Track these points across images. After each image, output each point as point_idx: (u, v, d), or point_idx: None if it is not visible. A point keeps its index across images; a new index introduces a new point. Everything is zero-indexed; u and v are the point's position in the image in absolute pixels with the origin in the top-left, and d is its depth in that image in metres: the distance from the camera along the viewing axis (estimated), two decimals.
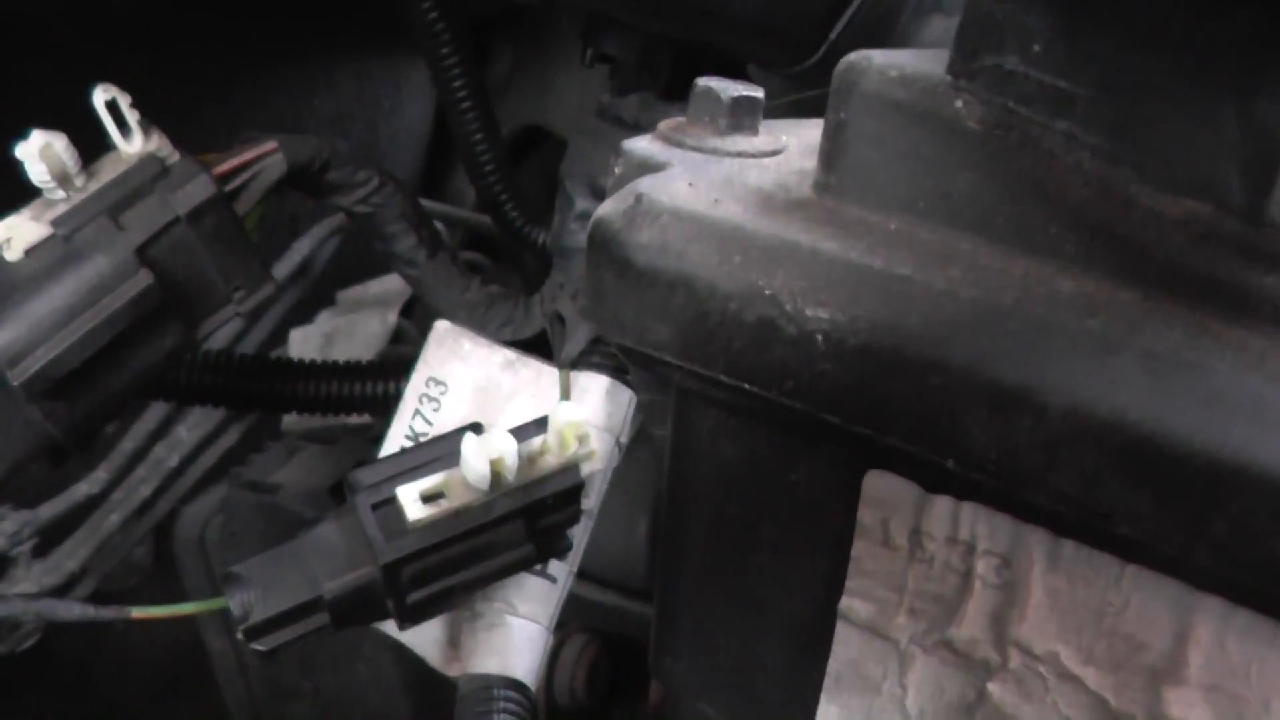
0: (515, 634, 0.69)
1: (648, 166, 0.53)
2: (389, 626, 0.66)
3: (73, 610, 0.63)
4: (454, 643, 0.69)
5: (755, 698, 0.55)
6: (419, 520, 0.59)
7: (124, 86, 0.65)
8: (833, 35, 0.71)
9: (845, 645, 0.50)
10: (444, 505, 0.60)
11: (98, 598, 1.10)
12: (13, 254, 0.64)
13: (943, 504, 0.46)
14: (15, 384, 0.61)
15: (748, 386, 0.47)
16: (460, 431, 0.63)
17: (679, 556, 0.57)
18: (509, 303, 0.76)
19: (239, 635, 0.60)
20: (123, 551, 1.06)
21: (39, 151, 0.63)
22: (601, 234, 0.50)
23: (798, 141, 0.55)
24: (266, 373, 0.82)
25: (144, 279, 0.62)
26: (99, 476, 1.09)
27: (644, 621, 1.03)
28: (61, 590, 1.03)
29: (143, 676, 1.24)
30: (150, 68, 0.97)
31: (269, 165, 0.67)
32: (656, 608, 0.60)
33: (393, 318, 1.14)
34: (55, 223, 0.64)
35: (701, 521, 0.55)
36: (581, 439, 0.61)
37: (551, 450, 0.61)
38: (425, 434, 0.74)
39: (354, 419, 1.11)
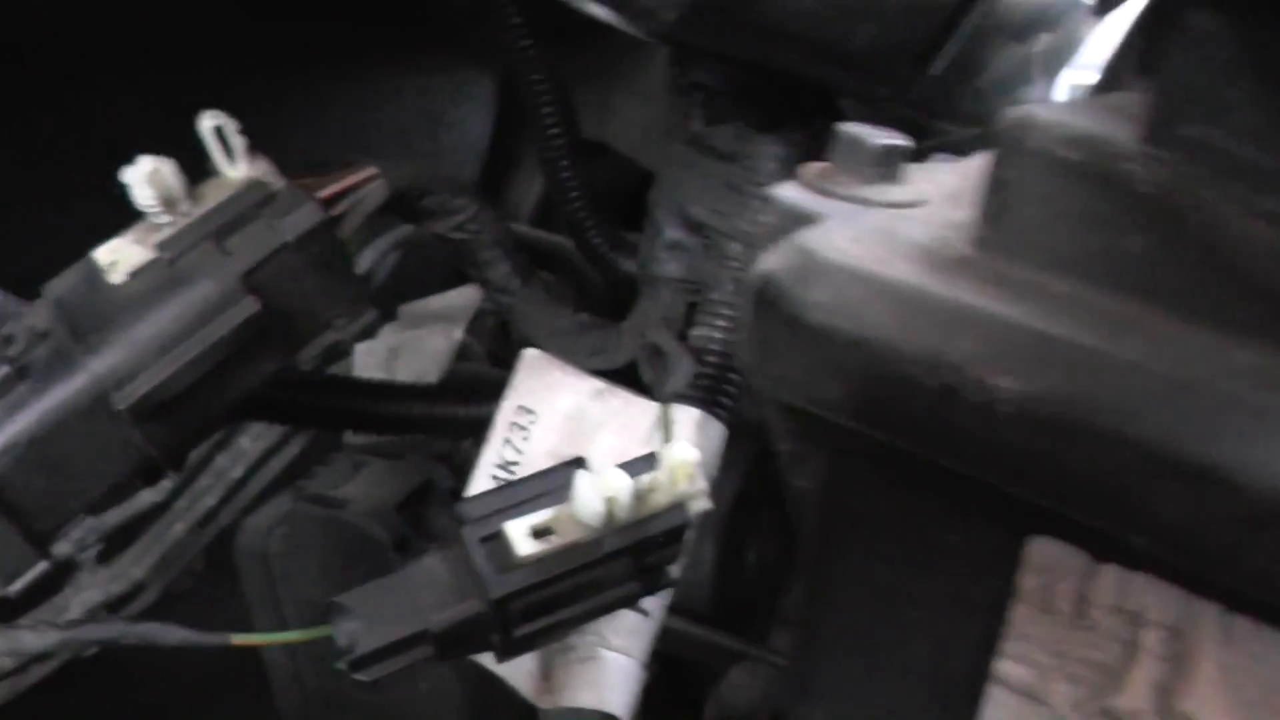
0: (609, 668, 0.69)
1: (798, 216, 0.53)
2: (485, 658, 0.66)
3: (175, 635, 0.63)
4: (547, 675, 0.69)
5: None
6: (528, 556, 0.59)
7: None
8: (933, 70, 0.71)
9: (999, 709, 0.50)
10: (554, 541, 0.59)
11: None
12: (117, 277, 0.64)
13: (1110, 573, 0.46)
14: (121, 407, 0.61)
15: (922, 452, 0.46)
16: (567, 467, 0.63)
17: (823, 608, 0.56)
18: (599, 331, 0.76)
19: (340, 666, 0.60)
20: (186, 560, 1.06)
21: (147, 176, 0.63)
22: (770, 290, 0.50)
23: (936, 190, 0.55)
24: (359, 393, 0.82)
25: (250, 305, 0.62)
26: (163, 485, 1.08)
27: (704, 646, 1.03)
28: (127, 597, 1.03)
29: (189, 683, 1.23)
30: (219, 83, 0.97)
31: (370, 191, 0.67)
32: (793, 653, 0.60)
33: (458, 334, 1.13)
34: (160, 246, 0.64)
35: (850, 576, 0.54)
36: (690, 478, 0.61)
37: (661, 488, 0.60)
38: (515, 462, 0.74)
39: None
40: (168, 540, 1.07)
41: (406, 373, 1.07)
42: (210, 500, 1.09)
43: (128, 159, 0.64)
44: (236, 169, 0.65)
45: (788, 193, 0.55)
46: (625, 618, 0.71)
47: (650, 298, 0.79)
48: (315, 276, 0.64)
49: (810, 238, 0.50)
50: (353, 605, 0.59)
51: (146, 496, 1.08)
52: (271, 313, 0.63)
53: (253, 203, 0.64)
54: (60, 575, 1.04)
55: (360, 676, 0.60)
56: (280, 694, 1.13)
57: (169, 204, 0.64)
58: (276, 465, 1.13)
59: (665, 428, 0.70)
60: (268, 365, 0.65)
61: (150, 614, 1.05)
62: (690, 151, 0.78)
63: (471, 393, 0.82)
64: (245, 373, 0.64)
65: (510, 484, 0.63)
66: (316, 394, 0.82)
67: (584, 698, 0.68)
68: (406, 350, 1.14)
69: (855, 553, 0.54)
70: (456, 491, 1.01)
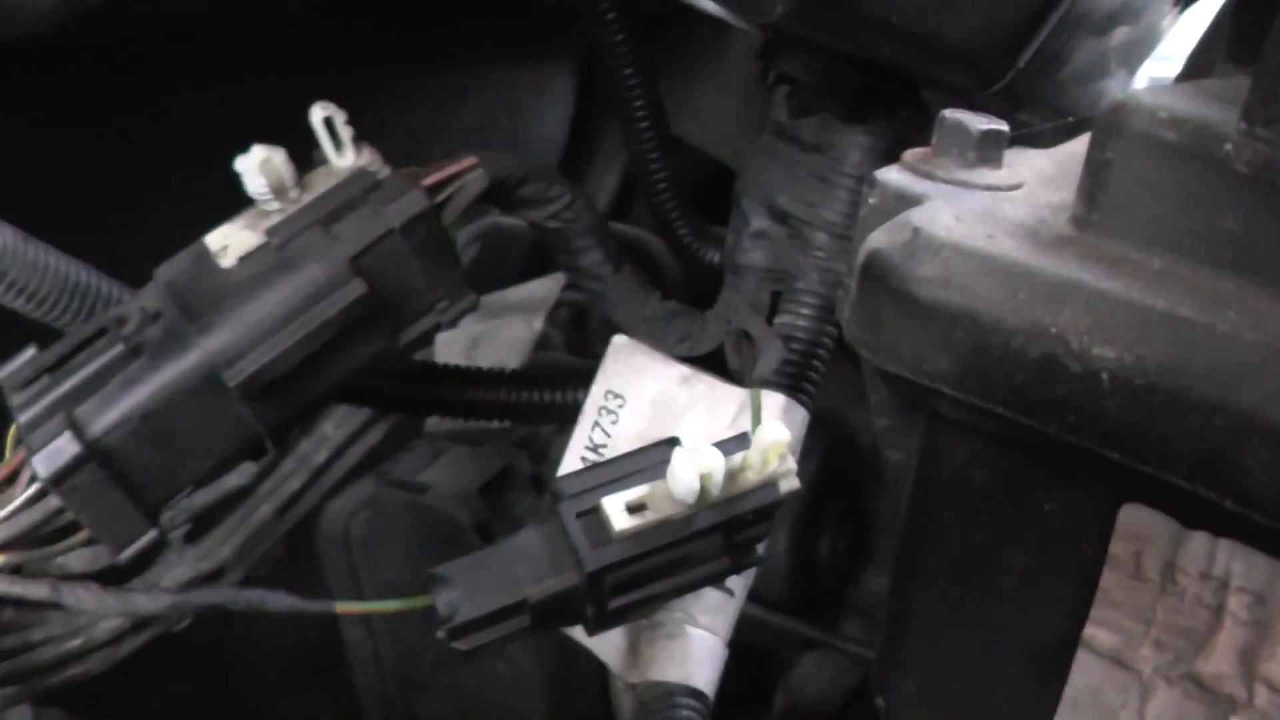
0: (695, 644, 0.71)
1: (904, 198, 0.54)
2: (576, 631, 0.68)
3: (283, 601, 0.65)
4: (634, 650, 0.71)
5: None
6: (624, 530, 0.61)
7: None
8: (1020, 63, 0.72)
9: (1085, 673, 0.51)
10: (648, 517, 0.61)
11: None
12: (227, 261, 0.66)
13: (1199, 540, 0.48)
14: (231, 384, 0.64)
15: (1025, 420, 0.48)
16: (660, 445, 0.65)
17: (916, 578, 0.58)
18: (687, 318, 0.78)
19: (439, 634, 0.62)
20: (271, 543, 1.09)
21: (259, 165, 0.65)
22: (879, 265, 0.51)
23: (1033, 174, 0.56)
24: (452, 380, 0.84)
25: (357, 288, 0.64)
26: (248, 469, 1.11)
27: (778, 633, 1.04)
28: (214, 576, 1.06)
29: (274, 664, 1.26)
30: (306, 79, 0.99)
31: (471, 180, 0.69)
32: (886, 625, 0.61)
33: (538, 323, 1.15)
34: (269, 232, 0.66)
35: (945, 545, 0.56)
36: (782, 457, 0.62)
37: (752, 467, 0.62)
38: (604, 445, 0.76)
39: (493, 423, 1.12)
40: (253, 523, 1.09)
41: (487, 361, 1.09)
42: (294, 484, 1.11)
43: (219, 153, 0.67)
44: (344, 158, 0.67)
45: (892, 176, 0.56)
46: (710, 596, 0.73)
47: (735, 286, 0.80)
48: (419, 261, 0.66)
49: (917, 216, 0.52)
50: (453, 576, 0.62)
51: (232, 480, 1.10)
52: (376, 296, 0.65)
53: (359, 190, 0.66)
54: (151, 552, 1.07)
55: (458, 645, 0.62)
56: (359, 675, 1.16)
57: (279, 191, 0.66)
58: (358, 451, 1.15)
59: (755, 411, 0.71)
60: (371, 347, 0.67)
61: None
62: (776, 143, 0.80)
63: (558, 379, 0.84)
64: (350, 354, 0.66)
65: (604, 462, 0.65)
66: (410, 380, 0.84)
67: (671, 673, 0.70)
68: (487, 339, 1.16)
69: (950, 522, 0.56)
70: (536, 476, 1.03)
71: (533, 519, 0.63)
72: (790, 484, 0.63)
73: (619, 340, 0.78)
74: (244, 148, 0.66)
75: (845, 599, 1.20)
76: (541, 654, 1.03)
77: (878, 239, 0.53)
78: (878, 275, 0.52)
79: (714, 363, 0.79)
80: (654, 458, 0.64)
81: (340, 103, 0.68)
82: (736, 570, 0.66)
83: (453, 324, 0.69)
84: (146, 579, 1.07)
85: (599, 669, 1.07)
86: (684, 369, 0.77)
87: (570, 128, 1.36)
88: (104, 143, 0.98)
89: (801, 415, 0.77)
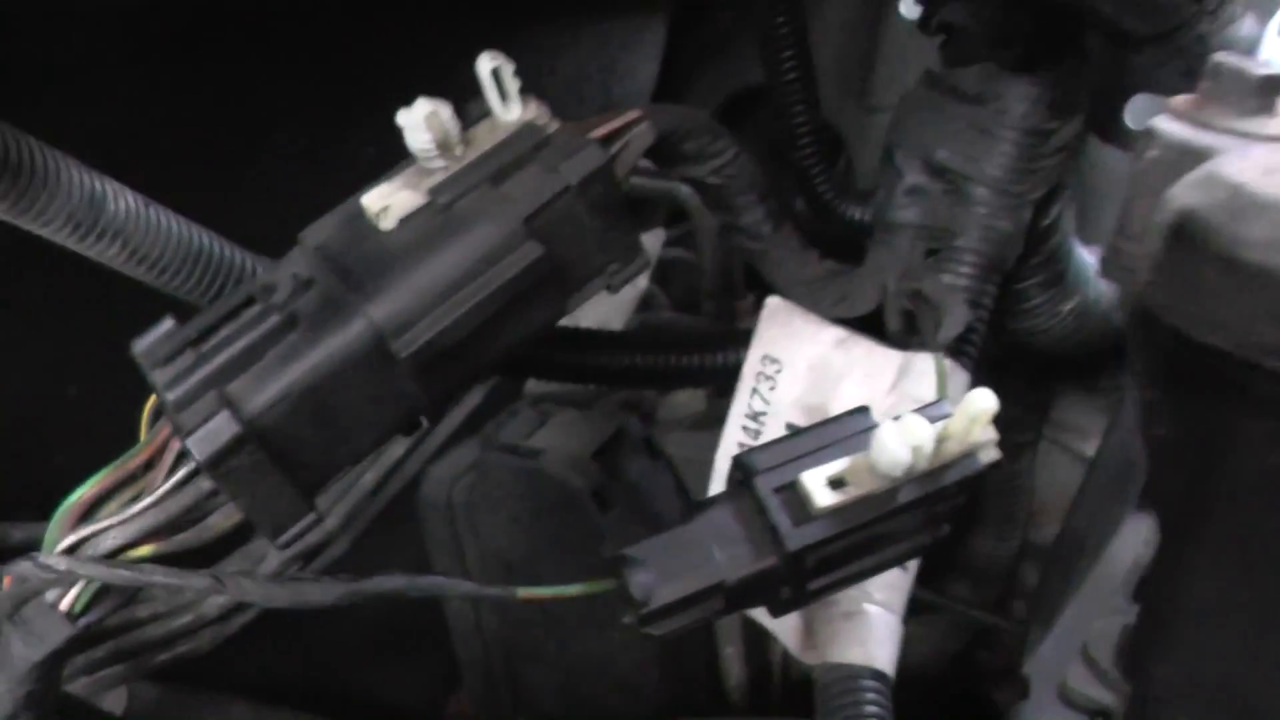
0: (874, 623, 0.68)
1: (1189, 152, 0.50)
2: (757, 612, 0.65)
3: (462, 587, 0.62)
4: (810, 629, 0.68)
5: (1255, 712, 0.53)
6: (826, 507, 0.57)
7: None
8: (1207, 5, 0.68)
9: None
10: (850, 492, 0.58)
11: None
12: (388, 222, 0.62)
13: None
14: (402, 355, 0.60)
15: None
16: (851, 415, 0.61)
17: (1187, 560, 0.55)
18: (844, 278, 0.74)
19: (627, 620, 0.59)
20: (376, 510, 1.05)
21: (424, 119, 0.61)
22: (1197, 227, 0.47)
23: None
24: (603, 346, 0.81)
25: (534, 250, 0.61)
26: None
27: None
28: (320, 548, 1.03)
29: (366, 633, 1.24)
30: (405, 34, 0.96)
31: (638, 134, 0.65)
32: (1144, 608, 0.58)
33: (643, 282, 1.12)
34: (433, 191, 0.62)
35: (1228, 527, 0.52)
36: (987, 426, 0.59)
37: (955, 436, 0.59)
38: (763, 413, 0.73)
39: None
40: (357, 492, 1.06)
41: (588, 321, 1.05)
42: (396, 450, 1.08)
43: (315, 117, 0.63)
44: (510, 111, 0.63)
45: (1171, 127, 0.52)
46: (885, 572, 0.70)
47: (885, 245, 0.77)
48: (594, 221, 0.62)
49: (1226, 170, 0.48)
50: (645, 557, 0.58)
51: None
52: (551, 258, 0.61)
53: (528, 146, 0.62)
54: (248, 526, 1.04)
55: (651, 630, 0.59)
56: (461, 645, 1.13)
57: (444, 147, 0.62)
58: (459, 414, 1.11)
59: (940, 378, 0.68)
60: (542, 313, 0.63)
61: (340, 565, 1.05)
62: (931, 94, 0.76)
63: (712, 342, 0.80)
64: (520, 321, 0.63)
65: (793, 434, 0.61)
66: (557, 346, 0.81)
67: (852, 654, 0.67)
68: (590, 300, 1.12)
69: (1238, 504, 0.52)
70: (649, 440, 1.00)
71: (725, 497, 0.60)
72: (990, 454, 0.60)
73: (774, 302, 0.75)
74: (340, 111, 0.62)
75: (954, 561, 1.17)
76: None
77: (1186, 196, 0.48)
78: (1195, 237, 0.48)
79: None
80: (845, 428, 0.61)
81: (435, 57, 0.64)
82: (931, 546, 0.63)
83: (619, 288, 0.65)
84: (246, 553, 1.04)
85: (708, 638, 1.05)
86: (840, 331, 0.74)
87: (658, 81, 1.33)
88: (224, 108, 0.95)
89: (963, 379, 0.74)
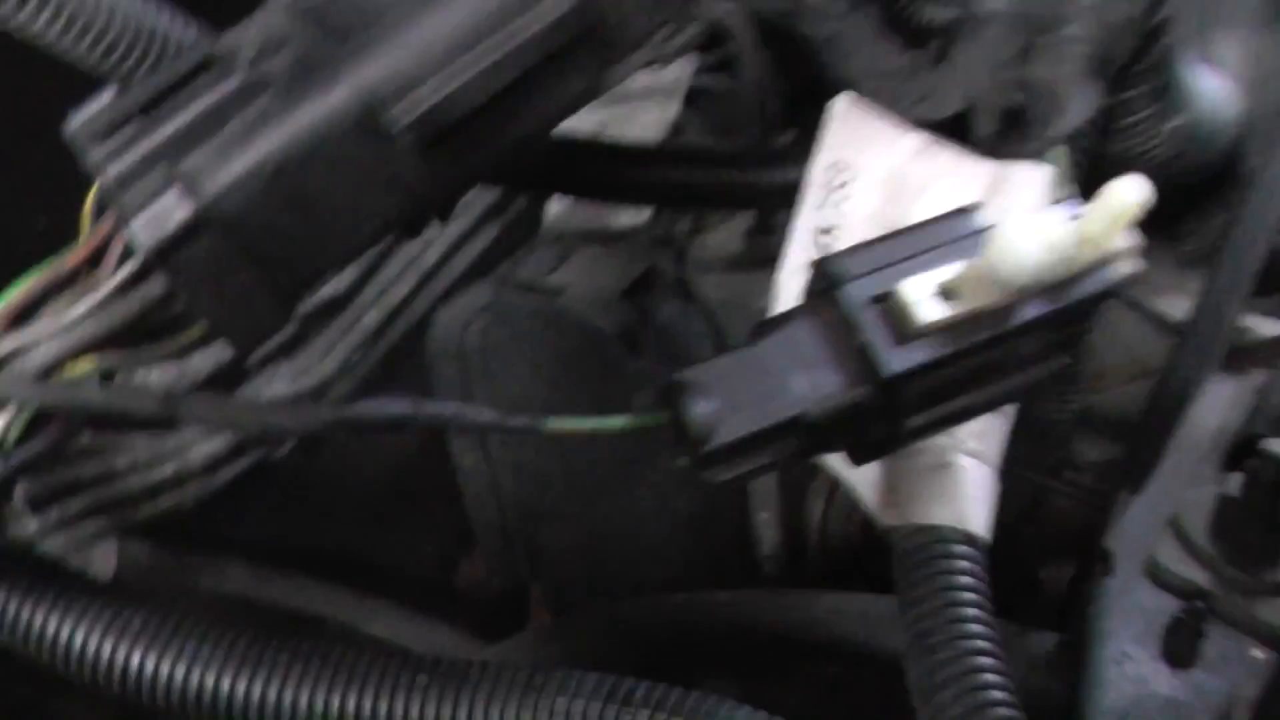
0: (966, 477, 0.56)
1: None
2: (833, 460, 0.54)
3: (484, 415, 0.51)
4: (892, 485, 0.56)
5: None
6: (934, 323, 0.46)
7: None
8: None
9: None
10: (962, 306, 0.46)
11: None
12: None
13: None
14: (399, 125, 0.48)
15: None
16: (956, 215, 0.50)
17: None
18: (927, 74, 0.63)
19: (682, 462, 0.48)
20: (379, 355, 0.95)
21: None
22: None
23: None
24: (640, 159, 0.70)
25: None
26: (343, 276, 0.97)
27: None
28: (314, 395, 0.93)
29: (366, 493, 1.16)
30: None
31: None
32: None
33: (675, 107, 1.00)
34: None
35: None
36: (1127, 231, 0.47)
37: (1091, 240, 0.47)
38: (836, 226, 0.61)
39: (623, 219, 1.00)
40: (357, 333, 0.96)
41: None
42: (401, 289, 0.98)
43: None
44: None
45: None
46: (979, 418, 0.58)
47: (974, 37, 0.66)
48: None
49: None
50: (706, 382, 0.46)
51: (326, 291, 0.97)
52: (594, 7, 0.49)
53: None
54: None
55: (709, 476, 0.47)
56: (473, 505, 1.04)
57: None
58: (472, 251, 1.01)
59: (1062, 174, 0.56)
60: (575, 84, 0.52)
61: None
62: None
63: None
64: (549, 93, 0.51)
65: (887, 236, 0.50)
66: (581, 158, 0.69)
67: (940, 513, 0.55)
68: (617, 124, 1.01)
69: None
70: (683, 280, 0.92)
71: (803, 311, 0.48)
72: (1128, 266, 0.48)
73: (843, 101, 0.64)
74: None
75: None
76: (688, 486, 0.90)
77: None
78: None
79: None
80: (951, 230, 0.49)
81: None
82: (1049, 383, 0.51)
83: (670, 60, 0.53)
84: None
85: (740, 501, 0.96)
86: (921, 136, 0.63)
87: None
88: None
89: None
